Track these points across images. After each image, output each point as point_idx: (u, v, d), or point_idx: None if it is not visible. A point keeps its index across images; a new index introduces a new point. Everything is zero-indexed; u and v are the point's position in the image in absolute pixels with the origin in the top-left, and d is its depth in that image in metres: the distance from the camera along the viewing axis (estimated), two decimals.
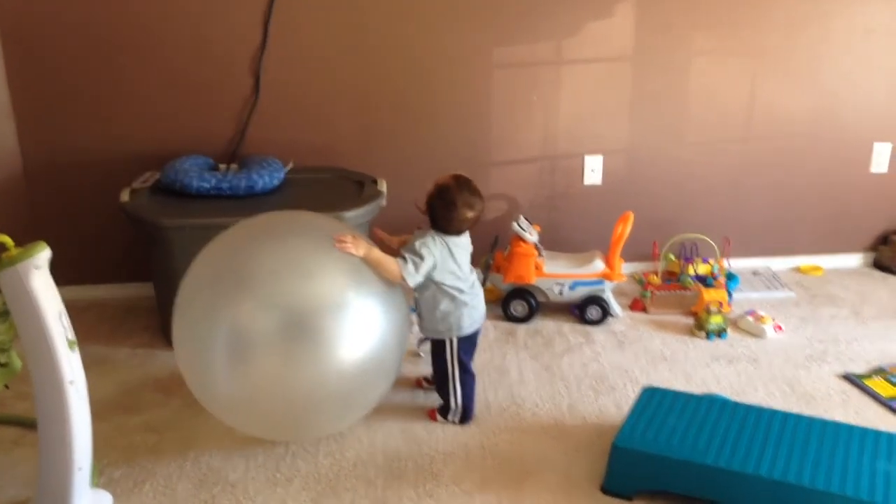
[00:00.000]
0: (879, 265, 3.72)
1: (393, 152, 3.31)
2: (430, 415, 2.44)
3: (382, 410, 2.44)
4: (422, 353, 2.79)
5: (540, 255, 3.08)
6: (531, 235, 3.05)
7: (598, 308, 3.07)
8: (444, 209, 2.24)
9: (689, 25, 3.32)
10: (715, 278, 3.27)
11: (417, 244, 2.23)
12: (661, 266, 3.40)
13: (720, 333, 2.97)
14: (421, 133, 3.30)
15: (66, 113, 3.10)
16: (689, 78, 3.40)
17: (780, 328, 3.02)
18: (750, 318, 3.04)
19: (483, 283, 3.16)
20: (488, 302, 3.23)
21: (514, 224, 3.06)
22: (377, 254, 2.13)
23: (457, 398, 2.38)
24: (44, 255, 1.74)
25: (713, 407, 2.20)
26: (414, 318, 2.63)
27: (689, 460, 1.97)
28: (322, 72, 3.19)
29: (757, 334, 3.00)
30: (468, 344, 2.38)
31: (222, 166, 3.10)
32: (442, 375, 2.39)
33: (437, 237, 2.26)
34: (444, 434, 2.35)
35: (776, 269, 3.67)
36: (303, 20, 3.12)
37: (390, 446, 2.29)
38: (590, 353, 2.86)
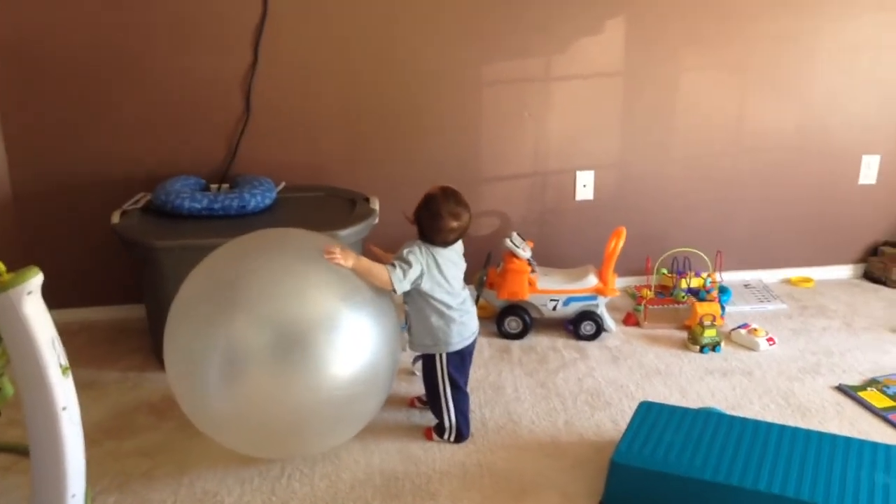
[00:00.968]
0: (870, 276, 3.74)
1: (384, 170, 3.31)
2: (427, 434, 2.42)
3: (378, 430, 2.43)
4: (416, 372, 2.78)
5: (533, 271, 3.08)
6: (524, 251, 3.05)
7: (591, 323, 3.07)
8: (430, 219, 2.25)
9: (678, 41, 3.35)
10: (708, 292, 3.28)
11: (405, 251, 2.24)
12: (653, 280, 3.40)
13: (714, 347, 2.97)
14: (412, 151, 3.30)
15: (56, 135, 3.09)
16: (679, 93, 3.42)
17: (772, 341, 3.02)
18: (743, 331, 3.05)
19: (477, 300, 3.17)
20: (482, 319, 3.23)
21: (507, 240, 3.06)
22: (366, 263, 2.15)
23: (450, 416, 2.37)
24: (36, 280, 1.72)
25: (710, 421, 2.19)
26: (405, 334, 2.62)
27: (689, 476, 1.97)
28: (313, 91, 3.19)
29: (750, 347, 3.00)
30: (458, 360, 2.36)
31: (214, 186, 3.10)
32: (433, 392, 2.38)
33: (423, 247, 2.26)
34: (441, 453, 2.34)
35: (767, 281, 3.68)
36: (292, 41, 3.12)
37: (387, 467, 2.27)
38: (584, 369, 2.86)
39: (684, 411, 2.26)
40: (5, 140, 3.07)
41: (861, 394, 2.64)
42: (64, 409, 1.75)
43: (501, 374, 2.83)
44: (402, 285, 2.20)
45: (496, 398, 2.65)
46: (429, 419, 2.46)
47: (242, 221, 2.77)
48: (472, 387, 2.67)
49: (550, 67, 3.31)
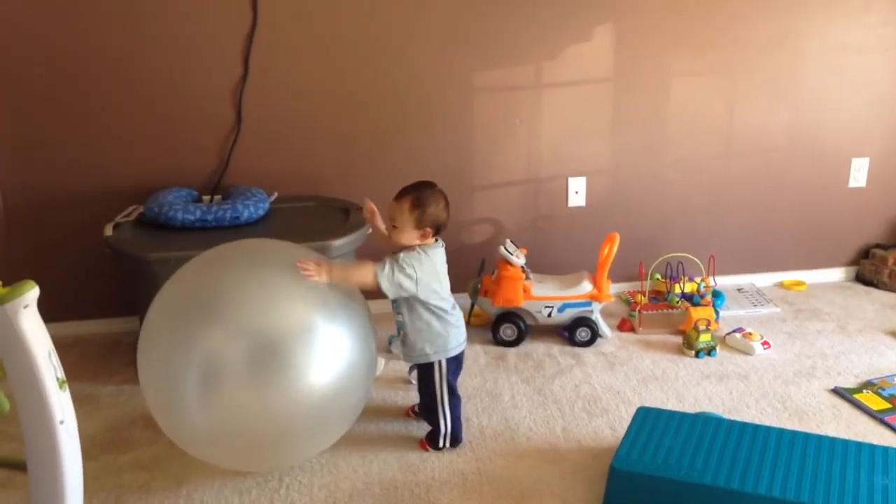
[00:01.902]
0: (862, 279, 3.76)
1: (377, 179, 3.31)
2: (422, 445, 2.42)
3: (376, 440, 2.42)
4: (412, 381, 2.77)
5: (528, 278, 3.08)
6: (518, 259, 3.05)
7: (587, 329, 3.07)
8: (437, 207, 2.23)
9: (667, 46, 3.37)
10: (702, 296, 3.28)
11: (402, 256, 2.20)
12: (647, 286, 3.41)
13: (709, 351, 2.98)
14: (404, 159, 3.30)
15: (47, 149, 3.08)
16: (669, 98, 3.44)
17: (767, 344, 3.03)
18: (738, 336, 3.06)
19: (471, 308, 3.18)
20: (477, 326, 3.26)
21: (501, 248, 3.06)
22: (342, 272, 2.14)
23: (446, 422, 2.37)
24: (32, 293, 1.71)
25: (708, 425, 2.20)
26: (395, 347, 2.61)
27: (688, 480, 1.97)
28: (304, 101, 3.19)
29: (745, 351, 3.01)
30: (455, 365, 2.37)
31: (206, 198, 3.09)
32: (430, 400, 2.37)
33: (423, 253, 2.22)
34: (440, 462, 2.33)
35: (760, 285, 3.70)
36: (283, 52, 3.12)
37: (386, 476, 2.26)
38: (581, 375, 2.86)
39: (682, 416, 2.26)
40: None
41: (857, 396, 2.65)
42: (61, 422, 1.74)
43: (498, 381, 2.82)
44: (390, 287, 2.17)
45: (493, 406, 2.65)
46: (426, 429, 2.45)
47: (236, 233, 2.77)
48: (468, 395, 2.67)
49: (541, 74, 3.32)
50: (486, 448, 2.40)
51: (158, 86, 3.08)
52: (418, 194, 2.24)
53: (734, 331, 3.10)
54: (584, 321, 3.07)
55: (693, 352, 2.98)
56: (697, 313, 3.09)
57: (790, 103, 3.53)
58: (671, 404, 2.63)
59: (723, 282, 3.60)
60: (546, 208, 3.49)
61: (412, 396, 2.67)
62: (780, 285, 3.73)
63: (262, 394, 1.95)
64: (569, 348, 3.08)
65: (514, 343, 3.11)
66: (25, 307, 1.69)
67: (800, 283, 3.71)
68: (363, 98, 3.23)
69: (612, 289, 3.33)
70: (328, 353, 2.03)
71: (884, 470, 1.99)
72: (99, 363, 3.01)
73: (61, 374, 1.77)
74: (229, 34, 3.07)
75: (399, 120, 3.28)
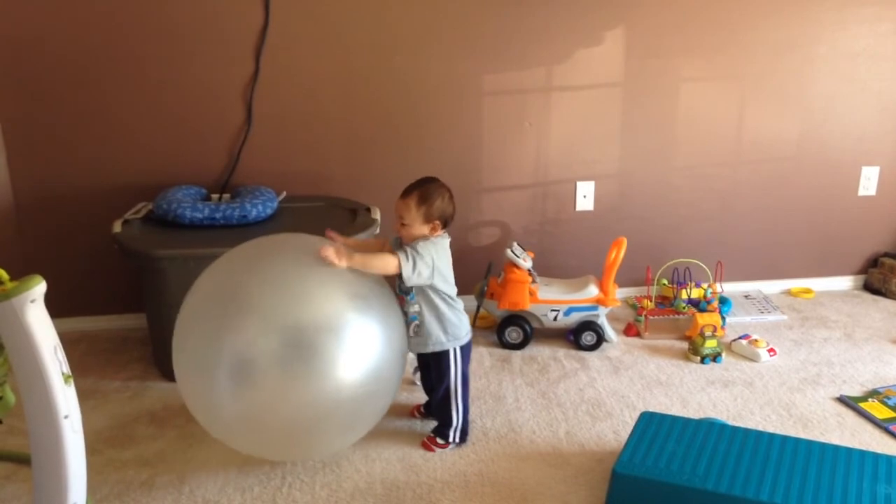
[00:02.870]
0: (870, 287, 3.74)
1: (385, 180, 3.30)
2: (425, 446, 2.41)
3: (380, 439, 2.43)
4: (417, 382, 2.77)
5: (534, 281, 3.08)
6: (525, 262, 3.05)
7: (592, 333, 3.07)
8: (444, 200, 2.29)
9: (678, 51, 3.36)
10: (708, 302, 3.28)
11: (420, 244, 2.24)
12: (654, 291, 3.41)
13: (715, 357, 2.97)
14: (413, 161, 3.31)
15: (57, 145, 3.10)
16: (678, 103, 3.43)
17: (773, 351, 3.02)
18: (744, 342, 3.05)
19: (477, 310, 3.18)
20: (483, 329, 3.26)
21: (508, 251, 3.06)
22: (361, 259, 2.15)
23: (458, 414, 2.39)
24: (39, 288, 1.73)
25: (711, 431, 2.19)
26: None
27: (690, 486, 1.96)
28: (314, 101, 3.20)
29: (751, 358, 3.00)
30: (466, 353, 2.40)
31: (215, 196, 3.11)
32: (445, 391, 2.38)
33: (439, 240, 2.28)
34: (443, 462, 2.33)
35: (767, 292, 3.69)
36: (294, 51, 3.13)
37: (388, 476, 2.27)
38: (585, 379, 2.85)
39: (685, 421, 2.26)
40: (7, 150, 3.07)
41: (862, 405, 2.64)
42: (66, 417, 1.75)
43: (502, 383, 2.82)
44: (414, 276, 2.21)
45: (497, 408, 2.65)
46: (433, 425, 2.46)
47: (244, 231, 2.78)
48: (472, 396, 2.67)
49: (551, 78, 3.32)
50: (489, 450, 2.40)
51: (169, 83, 3.09)
52: (423, 189, 2.28)
53: (740, 337, 3.09)
54: (590, 325, 3.07)
55: (699, 357, 2.98)
56: (704, 319, 3.08)
57: (800, 110, 3.52)
58: (675, 409, 2.62)
59: (730, 288, 3.60)
60: (554, 212, 3.49)
61: (416, 397, 2.68)
62: (788, 293, 3.72)
63: (294, 386, 1.98)
64: (574, 352, 3.08)
65: (519, 346, 3.11)
66: (32, 302, 1.70)
67: (807, 291, 3.70)
68: (373, 99, 3.24)
69: (619, 293, 3.33)
70: (361, 347, 2.06)
71: (887, 479, 1.98)
72: (105, 359, 3.03)
73: (67, 368, 1.78)
74: (241, 32, 3.08)
75: (409, 121, 3.29)
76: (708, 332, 2.99)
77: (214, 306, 2.05)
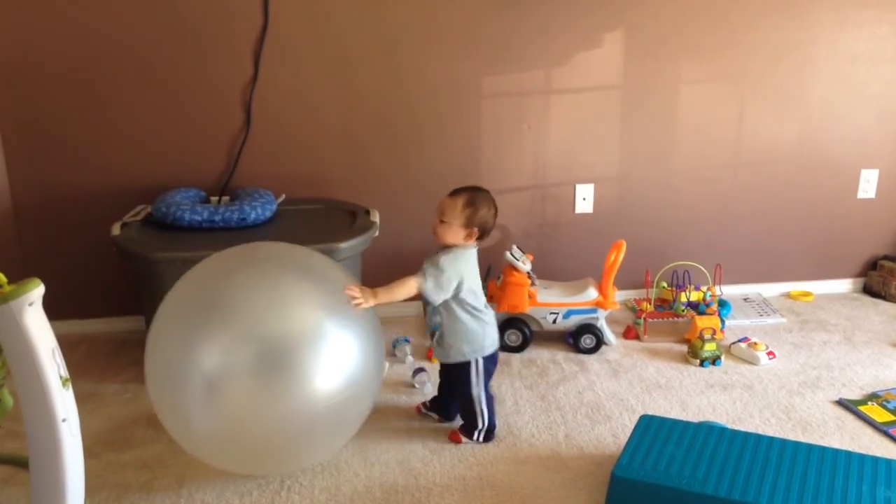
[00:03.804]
0: (869, 290, 3.74)
1: (385, 183, 3.31)
2: (453, 437, 2.44)
3: (379, 443, 2.42)
4: (416, 385, 2.77)
5: (533, 284, 3.08)
6: (524, 264, 3.05)
7: (592, 336, 3.06)
8: (490, 211, 2.30)
9: (677, 54, 3.36)
10: (707, 305, 3.28)
11: (440, 259, 2.24)
12: (653, 293, 3.40)
13: (714, 360, 2.97)
14: (412, 163, 3.31)
15: (56, 147, 3.09)
16: (678, 106, 3.43)
17: (773, 355, 3.02)
18: (743, 345, 3.05)
19: None
20: None
21: (508, 253, 3.06)
22: (386, 294, 2.17)
23: (484, 418, 2.41)
24: (37, 291, 1.72)
25: (711, 435, 2.19)
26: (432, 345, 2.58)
27: (690, 490, 1.96)
28: (313, 104, 3.20)
29: (751, 361, 3.00)
30: (491, 364, 2.41)
31: (214, 199, 3.10)
32: (467, 400, 2.40)
33: (459, 254, 2.27)
34: (442, 466, 2.33)
35: (767, 295, 3.68)
36: (293, 53, 3.13)
37: (387, 480, 2.26)
38: (585, 382, 2.85)
39: (685, 425, 2.25)
40: (6, 152, 3.07)
41: (862, 408, 2.64)
42: (64, 420, 1.75)
43: (501, 386, 2.82)
44: (437, 293, 2.23)
45: (496, 411, 2.64)
46: (430, 429, 2.47)
47: (243, 234, 2.78)
48: None
49: (550, 80, 3.32)
50: (488, 453, 2.40)
51: (168, 86, 3.09)
52: (473, 194, 2.30)
53: (739, 340, 3.09)
54: (589, 328, 3.06)
55: (698, 361, 2.97)
56: (703, 322, 3.08)
57: (800, 113, 3.52)
58: (675, 413, 2.62)
59: (729, 291, 3.60)
60: (553, 214, 3.49)
61: (415, 399, 2.68)
62: (787, 296, 3.72)
63: (267, 399, 1.94)
64: (573, 355, 3.07)
65: (518, 349, 3.10)
66: (30, 305, 1.70)
67: (807, 294, 3.70)
68: (372, 102, 3.23)
69: (618, 296, 3.32)
70: (336, 358, 2.02)
71: (886, 482, 1.98)
72: (104, 362, 3.02)
73: (65, 371, 1.78)
74: (240, 35, 3.08)
75: (408, 124, 3.28)
76: (707, 335, 2.99)
77: (186, 316, 2.01)
